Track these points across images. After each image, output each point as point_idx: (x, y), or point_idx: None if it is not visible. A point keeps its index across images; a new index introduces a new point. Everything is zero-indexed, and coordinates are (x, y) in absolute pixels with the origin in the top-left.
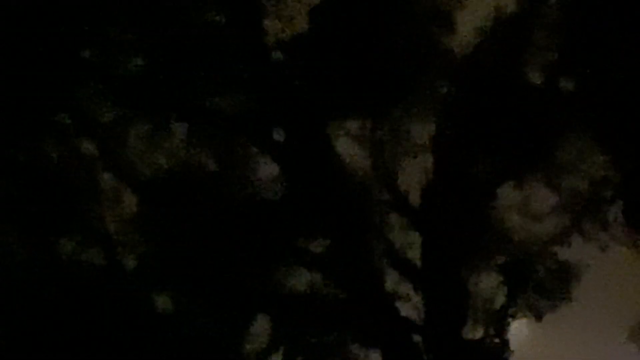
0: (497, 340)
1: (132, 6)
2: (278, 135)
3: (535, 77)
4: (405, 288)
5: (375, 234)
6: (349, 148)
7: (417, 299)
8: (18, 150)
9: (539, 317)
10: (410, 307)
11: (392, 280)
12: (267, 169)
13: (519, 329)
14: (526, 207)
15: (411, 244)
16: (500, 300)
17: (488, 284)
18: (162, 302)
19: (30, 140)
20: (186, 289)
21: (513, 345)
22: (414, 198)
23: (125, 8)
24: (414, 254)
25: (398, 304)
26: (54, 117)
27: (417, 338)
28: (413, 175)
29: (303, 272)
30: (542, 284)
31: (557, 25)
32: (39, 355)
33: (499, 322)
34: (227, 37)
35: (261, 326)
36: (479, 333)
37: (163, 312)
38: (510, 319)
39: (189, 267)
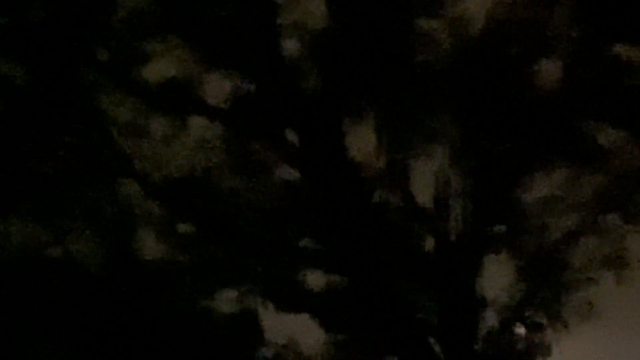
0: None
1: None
2: (291, 136)
3: (557, 65)
4: (420, 290)
5: (389, 234)
6: (361, 145)
7: (432, 301)
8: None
9: (560, 322)
10: (426, 309)
11: (406, 283)
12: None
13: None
14: (547, 202)
15: (425, 244)
16: (517, 301)
17: (506, 285)
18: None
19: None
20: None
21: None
22: (427, 197)
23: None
24: (429, 255)
25: (413, 307)
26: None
27: (433, 341)
28: (426, 173)
29: (318, 273)
30: (563, 285)
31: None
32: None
33: (516, 324)
34: (239, 32)
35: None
36: (495, 335)
37: (171, 310)
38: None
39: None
